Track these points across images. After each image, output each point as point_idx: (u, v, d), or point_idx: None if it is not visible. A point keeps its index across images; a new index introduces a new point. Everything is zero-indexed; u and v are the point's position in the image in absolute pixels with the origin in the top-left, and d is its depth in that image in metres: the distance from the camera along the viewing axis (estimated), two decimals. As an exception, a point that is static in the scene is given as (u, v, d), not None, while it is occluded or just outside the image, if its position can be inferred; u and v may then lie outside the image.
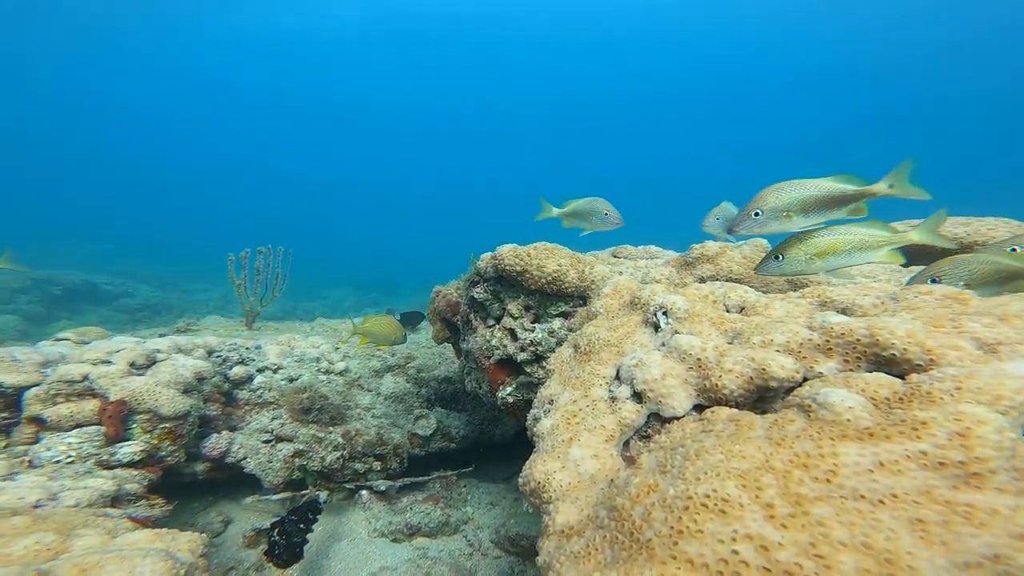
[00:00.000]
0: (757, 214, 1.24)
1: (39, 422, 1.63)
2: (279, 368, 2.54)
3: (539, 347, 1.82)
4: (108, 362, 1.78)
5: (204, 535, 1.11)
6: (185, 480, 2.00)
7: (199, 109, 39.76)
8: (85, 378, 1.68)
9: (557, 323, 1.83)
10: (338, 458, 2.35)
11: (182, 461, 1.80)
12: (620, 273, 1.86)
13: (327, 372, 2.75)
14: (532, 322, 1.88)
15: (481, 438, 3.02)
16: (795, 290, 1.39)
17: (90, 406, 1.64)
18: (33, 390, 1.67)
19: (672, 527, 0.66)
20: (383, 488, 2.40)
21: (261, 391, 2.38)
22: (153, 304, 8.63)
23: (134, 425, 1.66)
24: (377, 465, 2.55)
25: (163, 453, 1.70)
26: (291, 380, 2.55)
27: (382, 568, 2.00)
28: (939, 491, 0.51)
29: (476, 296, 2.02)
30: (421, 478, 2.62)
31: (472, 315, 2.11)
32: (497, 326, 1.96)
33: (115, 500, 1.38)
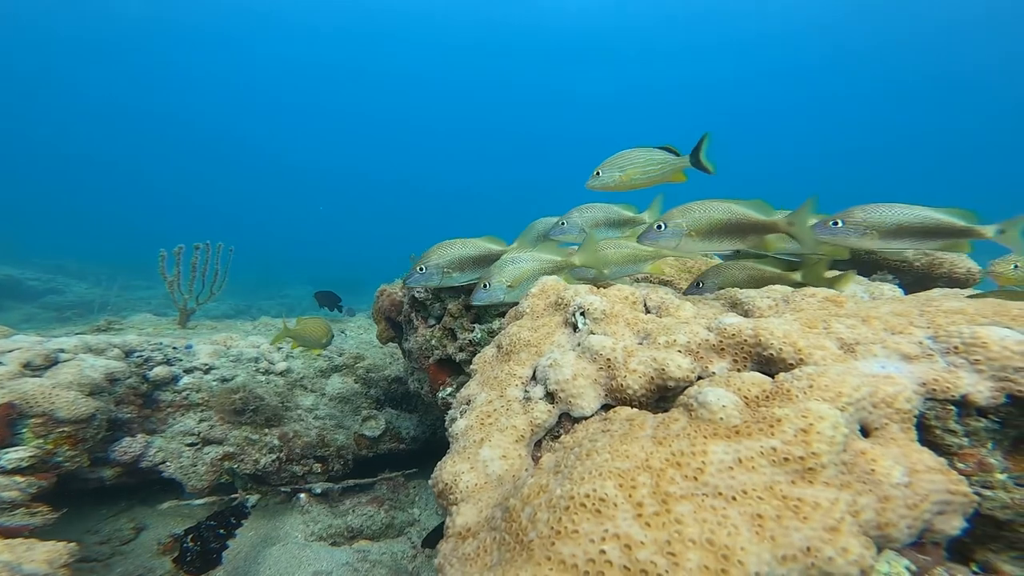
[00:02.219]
0: (422, 269, 1.44)
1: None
2: (211, 368, 2.40)
3: (478, 347, 1.82)
4: (-3, 363, 1.61)
5: (72, 544, 1.02)
6: (90, 486, 1.85)
7: (166, 99, 37.02)
8: (-33, 381, 1.52)
9: (497, 323, 1.83)
10: (274, 460, 2.25)
11: (85, 466, 1.66)
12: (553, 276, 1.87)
13: (266, 372, 2.62)
14: (472, 322, 1.87)
15: (433, 440, 2.98)
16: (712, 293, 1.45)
17: (-30, 412, 1.48)
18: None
19: (552, 527, 0.67)
20: (320, 491, 2.32)
21: (188, 392, 2.24)
22: (87, 302, 7.96)
23: (25, 429, 1.51)
24: (318, 467, 2.47)
25: (60, 458, 1.56)
26: (224, 380, 2.42)
27: (316, 572, 1.94)
28: (780, 486, 0.54)
29: (417, 295, 1.99)
30: (365, 480, 2.56)
31: (414, 314, 2.08)
32: (437, 325, 1.93)
33: (-16, 511, 1.26)
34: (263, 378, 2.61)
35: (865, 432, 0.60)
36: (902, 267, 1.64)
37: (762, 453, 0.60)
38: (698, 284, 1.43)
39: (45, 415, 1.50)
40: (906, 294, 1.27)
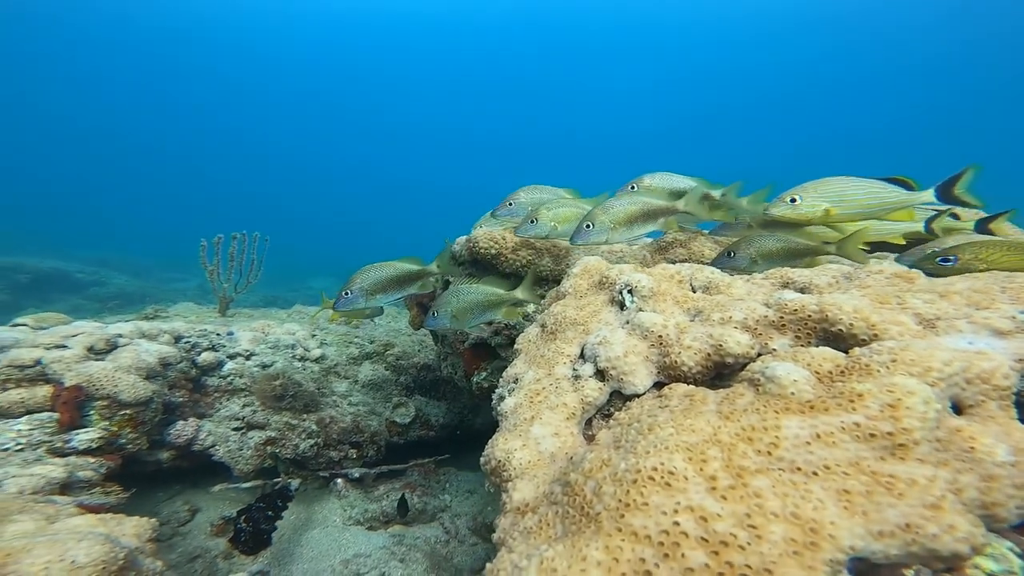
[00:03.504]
0: (347, 293, 1.54)
1: (-11, 409, 1.56)
2: (252, 354, 2.49)
3: (514, 331, 1.82)
4: (64, 346, 1.71)
5: (153, 520, 1.08)
6: (148, 469, 1.95)
7: (190, 97, 38.29)
8: (37, 363, 1.62)
9: (532, 307, 1.82)
10: (312, 446, 2.33)
11: (144, 449, 1.76)
12: (594, 255, 1.86)
13: (302, 359, 2.70)
14: (507, 306, 1.87)
15: (461, 426, 3.02)
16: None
17: (43, 392, 1.58)
18: (-18, 376, 1.59)
19: (620, 500, 0.66)
20: (357, 476, 2.39)
21: (232, 378, 2.33)
22: (127, 293, 8.37)
23: (92, 412, 1.61)
24: (353, 453, 2.53)
25: (123, 440, 1.65)
26: (264, 367, 2.50)
27: (356, 555, 2.00)
28: (867, 462, 0.52)
29: (451, 280, 2.00)
30: (398, 466, 2.62)
31: (447, 300, 2.09)
32: (471, 311, 1.95)
33: (66, 487, 1.34)
34: (299, 364, 2.69)
35: (957, 410, 0.57)
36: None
37: (843, 428, 0.58)
38: (729, 254, 1.41)
39: (109, 398, 1.59)
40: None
